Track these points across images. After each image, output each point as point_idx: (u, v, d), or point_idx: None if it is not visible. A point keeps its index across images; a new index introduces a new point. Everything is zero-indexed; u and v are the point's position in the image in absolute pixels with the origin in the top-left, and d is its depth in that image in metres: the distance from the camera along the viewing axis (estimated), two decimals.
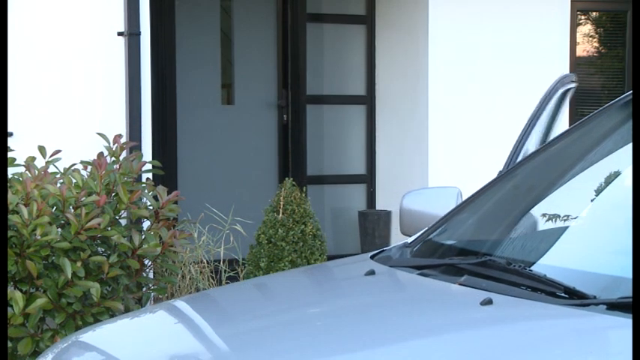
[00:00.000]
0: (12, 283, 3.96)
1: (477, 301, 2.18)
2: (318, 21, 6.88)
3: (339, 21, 6.94)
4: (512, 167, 2.95)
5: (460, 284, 2.34)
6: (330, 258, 5.14)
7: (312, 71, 6.85)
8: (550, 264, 2.37)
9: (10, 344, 3.90)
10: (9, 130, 4.81)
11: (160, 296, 4.53)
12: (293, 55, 6.78)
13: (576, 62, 6.79)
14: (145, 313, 2.94)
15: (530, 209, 2.79)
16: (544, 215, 2.68)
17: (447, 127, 6.25)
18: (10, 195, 3.93)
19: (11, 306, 3.84)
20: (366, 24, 6.87)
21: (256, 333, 2.37)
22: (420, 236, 2.85)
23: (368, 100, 6.90)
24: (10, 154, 4.39)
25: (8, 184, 4.09)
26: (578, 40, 6.94)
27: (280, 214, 5.29)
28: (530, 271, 2.31)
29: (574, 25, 6.74)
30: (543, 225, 2.64)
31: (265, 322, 2.51)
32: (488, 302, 2.17)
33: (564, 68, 6.54)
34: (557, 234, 2.58)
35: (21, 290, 3.92)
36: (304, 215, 5.35)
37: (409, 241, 2.86)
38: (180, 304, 2.80)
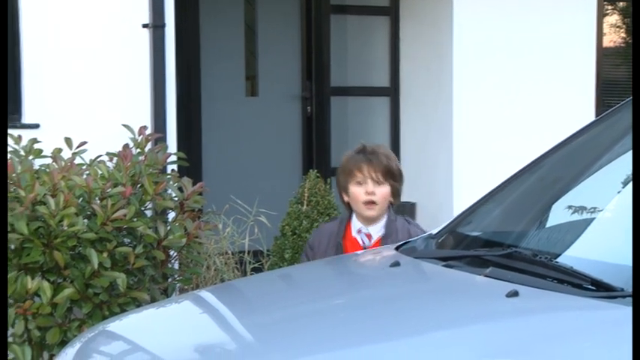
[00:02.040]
0: (40, 273, 4.00)
1: (502, 292, 2.18)
2: (341, 12, 6.86)
3: (363, 12, 6.93)
4: (537, 158, 2.94)
5: (486, 276, 2.34)
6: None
7: (336, 63, 6.84)
8: (576, 256, 2.36)
9: (38, 333, 3.93)
10: (36, 121, 4.85)
11: (185, 287, 4.55)
12: (317, 47, 6.77)
13: (603, 53, 6.73)
14: (170, 303, 2.97)
15: (556, 201, 2.78)
16: (570, 207, 2.66)
17: (471, 119, 6.22)
18: (37, 186, 3.96)
19: (39, 296, 3.87)
20: (389, 15, 6.85)
21: (281, 324, 2.38)
22: (445, 227, 2.84)
23: (392, 92, 6.88)
24: (36, 146, 4.42)
25: (36, 175, 4.12)
26: (604, 31, 6.88)
27: (304, 206, 5.29)
28: (557, 263, 2.30)
29: (600, 16, 6.68)
30: (569, 217, 2.62)
31: (290, 312, 2.51)
32: (513, 294, 2.17)
33: (590, 59, 6.49)
34: (583, 226, 2.56)
35: (49, 280, 3.95)
36: (328, 207, 5.35)
37: (434, 233, 2.86)
38: (205, 294, 2.81)
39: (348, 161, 3.53)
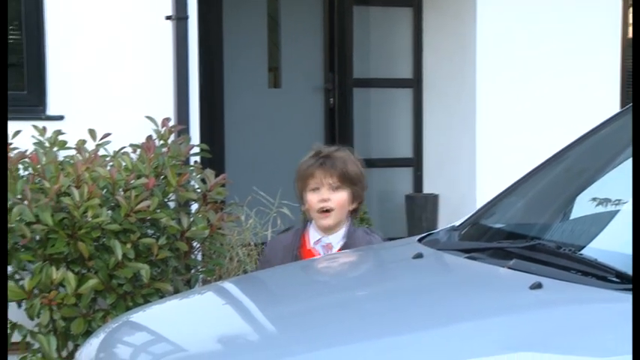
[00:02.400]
0: (64, 264, 4.03)
1: (526, 285, 2.17)
2: (364, 4, 6.85)
3: (386, 4, 6.91)
4: (561, 150, 2.92)
5: (509, 268, 2.33)
6: None
7: (358, 54, 6.83)
8: (601, 248, 2.35)
9: (63, 323, 3.97)
10: (60, 113, 4.87)
11: (208, 278, 4.57)
12: (340, 38, 6.76)
13: (627, 44, 6.68)
14: (193, 294, 2.98)
15: (581, 192, 2.76)
16: (594, 199, 2.65)
17: (494, 110, 6.19)
18: (61, 177, 3.98)
19: (64, 286, 3.90)
20: (412, 6, 6.82)
21: (304, 315, 2.38)
22: (468, 219, 2.83)
23: (415, 83, 6.86)
24: (61, 137, 4.45)
25: (60, 167, 4.15)
26: (630, 22, 6.82)
27: None
28: (581, 255, 2.29)
29: (626, 7, 6.62)
30: (594, 208, 2.61)
31: (313, 304, 2.52)
32: (537, 286, 2.16)
33: (615, 49, 6.43)
34: (607, 218, 2.55)
35: (73, 271, 3.98)
36: None
37: (457, 224, 2.85)
38: (228, 285, 2.82)
39: (302, 167, 3.31)
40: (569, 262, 2.25)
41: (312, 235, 3.28)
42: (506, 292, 2.27)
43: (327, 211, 3.22)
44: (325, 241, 3.26)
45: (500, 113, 6.19)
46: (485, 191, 5.69)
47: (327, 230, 3.25)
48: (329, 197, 3.22)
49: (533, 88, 6.23)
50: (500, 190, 2.94)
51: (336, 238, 3.25)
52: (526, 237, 2.52)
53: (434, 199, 6.64)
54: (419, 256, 2.60)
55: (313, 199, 3.24)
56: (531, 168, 2.93)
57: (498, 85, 6.18)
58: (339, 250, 3.22)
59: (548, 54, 6.23)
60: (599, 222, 2.54)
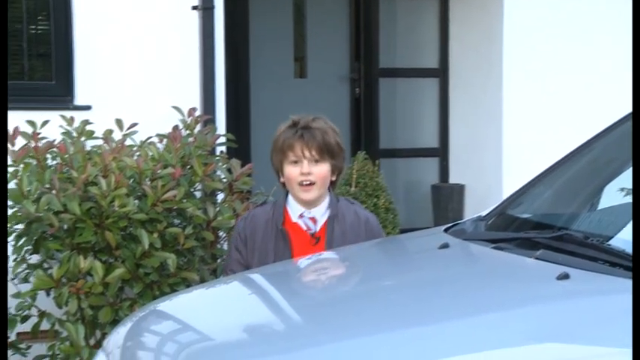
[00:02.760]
0: (92, 253, 4.06)
1: (553, 275, 2.16)
2: None
3: None
4: (589, 140, 2.90)
5: (536, 258, 2.32)
6: (403, 231, 5.13)
7: (384, 44, 6.80)
8: (628, 239, 2.33)
9: (90, 312, 4.00)
10: (87, 103, 4.90)
11: None
12: (365, 28, 6.74)
13: None
14: (219, 283, 2.99)
15: (608, 183, 2.74)
16: (622, 189, 2.63)
17: (521, 100, 6.15)
18: (89, 167, 4.01)
19: (91, 275, 3.93)
20: None
21: (329, 305, 2.39)
22: (494, 209, 2.82)
23: (441, 73, 6.83)
24: (88, 127, 4.48)
25: (88, 157, 4.18)
26: None
27: (353, 187, 5.29)
28: (609, 245, 2.28)
29: None
30: (622, 199, 2.59)
31: (338, 294, 2.52)
32: (564, 277, 2.15)
33: None
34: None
35: (100, 260, 4.00)
36: (377, 188, 5.34)
37: (483, 215, 2.84)
38: (254, 275, 2.83)
39: (279, 139, 3.18)
40: (596, 253, 2.24)
41: (294, 208, 3.17)
42: (533, 283, 2.26)
43: (310, 184, 3.11)
44: (308, 215, 3.15)
45: (526, 103, 6.15)
46: (512, 181, 5.66)
47: (309, 204, 3.15)
48: (310, 171, 3.11)
49: (561, 78, 6.18)
50: (527, 180, 2.92)
51: (320, 211, 3.16)
52: (553, 227, 2.51)
53: (460, 189, 6.61)
54: (445, 246, 2.59)
55: (294, 172, 3.12)
56: (558, 158, 2.91)
57: (525, 75, 6.14)
58: (326, 222, 3.14)
59: (577, 43, 6.18)
60: (626, 212, 2.52)
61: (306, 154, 3.11)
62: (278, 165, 3.19)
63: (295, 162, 3.13)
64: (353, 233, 3.14)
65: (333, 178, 3.18)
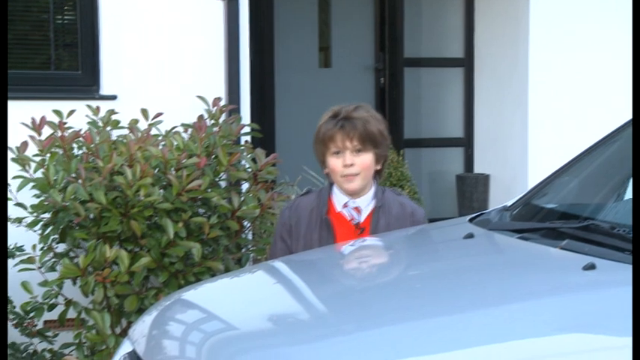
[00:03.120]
0: (118, 242, 4.08)
1: (579, 265, 2.15)
2: None
3: None
4: (615, 130, 2.87)
5: (562, 248, 2.31)
6: (428, 221, 5.11)
7: (409, 34, 6.78)
8: None
9: (116, 301, 4.03)
10: (113, 93, 4.93)
11: (258, 257, 4.60)
12: (390, 18, 6.72)
13: None
14: (244, 273, 3.00)
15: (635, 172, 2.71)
16: None
17: (547, 90, 6.11)
18: (114, 156, 4.03)
19: (117, 264, 3.96)
20: None
21: (354, 294, 2.39)
22: (520, 199, 2.81)
23: (466, 63, 6.80)
24: (114, 117, 4.50)
25: (113, 146, 4.20)
26: None
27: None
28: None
29: None
30: None
31: (363, 283, 2.52)
32: (590, 267, 2.14)
33: None
34: None
35: (126, 249, 4.03)
36: (401, 178, 5.34)
37: (509, 205, 2.83)
38: (278, 264, 2.83)
39: (321, 130, 3.13)
40: (622, 243, 2.22)
41: (339, 198, 3.12)
42: (559, 273, 2.25)
43: (353, 175, 3.07)
44: (352, 204, 3.11)
45: (552, 92, 6.11)
46: (537, 171, 5.63)
47: (354, 194, 3.11)
48: (352, 162, 3.06)
49: (587, 68, 6.13)
50: (553, 170, 2.90)
51: (365, 201, 3.11)
52: (579, 217, 2.49)
53: (485, 179, 6.59)
54: (470, 236, 2.59)
55: (336, 163, 3.08)
56: (584, 148, 2.89)
57: (551, 64, 6.09)
58: (372, 212, 3.11)
59: (604, 31, 6.12)
60: None
61: (348, 144, 3.07)
62: (321, 156, 3.15)
63: (337, 153, 3.09)
64: (398, 225, 3.09)
65: (378, 167, 3.13)
